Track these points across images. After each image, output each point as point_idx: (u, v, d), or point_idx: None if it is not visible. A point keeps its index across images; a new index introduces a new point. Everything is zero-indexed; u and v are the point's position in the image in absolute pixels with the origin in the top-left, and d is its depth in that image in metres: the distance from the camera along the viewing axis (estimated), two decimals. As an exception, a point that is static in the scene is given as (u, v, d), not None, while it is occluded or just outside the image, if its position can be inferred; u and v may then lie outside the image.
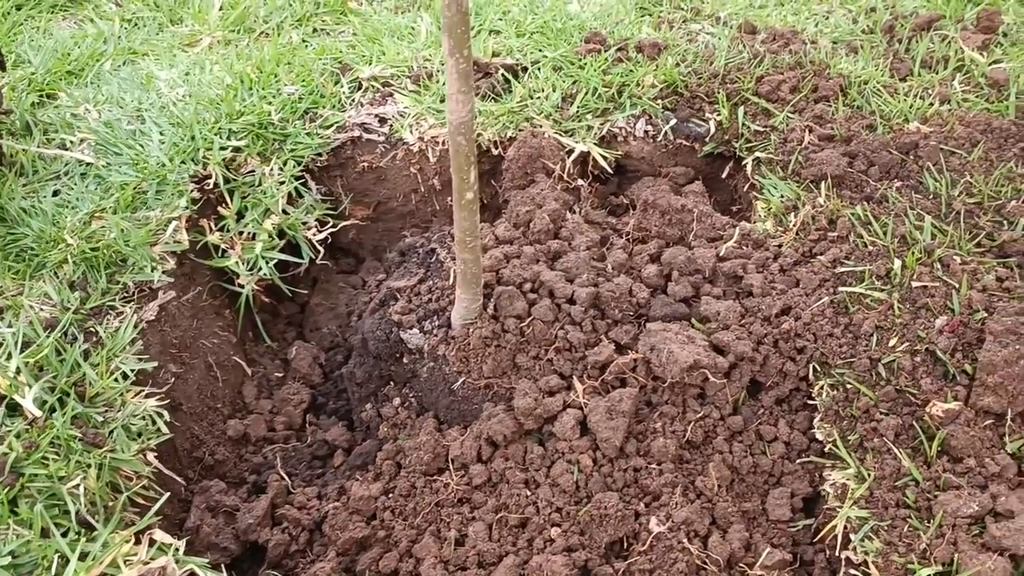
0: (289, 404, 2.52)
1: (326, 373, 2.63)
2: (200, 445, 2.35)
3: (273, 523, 2.18)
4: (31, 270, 2.34)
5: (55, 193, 2.58)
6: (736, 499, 2.06)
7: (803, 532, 2.04)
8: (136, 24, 3.54)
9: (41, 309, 2.24)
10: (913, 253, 2.19)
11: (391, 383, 2.38)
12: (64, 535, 1.81)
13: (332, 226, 2.78)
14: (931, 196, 2.39)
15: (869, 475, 1.93)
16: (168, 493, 2.02)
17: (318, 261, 2.76)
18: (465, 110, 1.75)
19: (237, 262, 2.60)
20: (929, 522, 1.83)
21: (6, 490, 1.84)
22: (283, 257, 2.68)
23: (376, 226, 2.96)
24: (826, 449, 2.05)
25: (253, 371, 2.64)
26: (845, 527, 1.91)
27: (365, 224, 2.94)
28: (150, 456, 2.08)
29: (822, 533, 1.97)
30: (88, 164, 2.67)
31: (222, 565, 1.94)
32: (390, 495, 2.15)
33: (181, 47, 3.34)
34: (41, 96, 3.03)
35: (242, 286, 2.60)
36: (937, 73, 2.95)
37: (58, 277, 2.33)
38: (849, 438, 2.01)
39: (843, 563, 1.89)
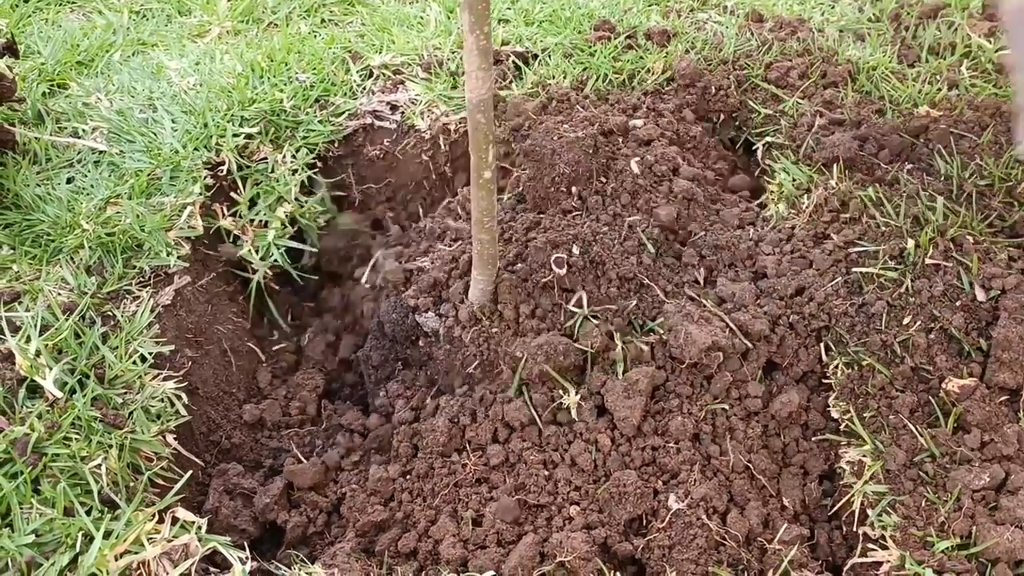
0: (304, 389, 2.52)
1: (340, 359, 2.64)
2: (216, 429, 2.36)
3: (290, 506, 2.19)
4: (48, 255, 2.35)
5: (69, 180, 2.59)
6: (753, 477, 2.08)
7: (820, 509, 2.05)
8: (144, 16, 3.55)
9: (58, 293, 2.25)
10: (926, 233, 2.20)
11: (407, 366, 2.39)
12: (88, 513, 1.82)
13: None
14: (942, 178, 2.40)
15: (885, 451, 1.95)
16: (191, 471, 2.04)
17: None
18: (484, 87, 1.77)
19: (250, 250, 2.61)
20: (946, 496, 1.85)
21: (29, 469, 1.85)
22: (295, 245, 2.69)
23: (388, 213, 2.96)
24: (842, 427, 2.07)
25: (267, 357, 2.65)
26: (862, 503, 1.93)
27: (377, 210, 2.96)
28: (169, 438, 2.10)
29: (837, 508, 1.99)
30: (101, 152, 2.68)
31: (245, 544, 1.95)
32: (407, 477, 2.15)
33: (190, 37, 3.35)
34: (51, 86, 3.04)
35: (255, 272, 2.62)
36: (945, 59, 2.97)
37: (74, 262, 2.34)
38: (865, 415, 2.03)
39: (860, 538, 1.90)
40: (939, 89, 2.77)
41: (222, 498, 2.16)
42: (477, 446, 2.15)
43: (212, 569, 1.86)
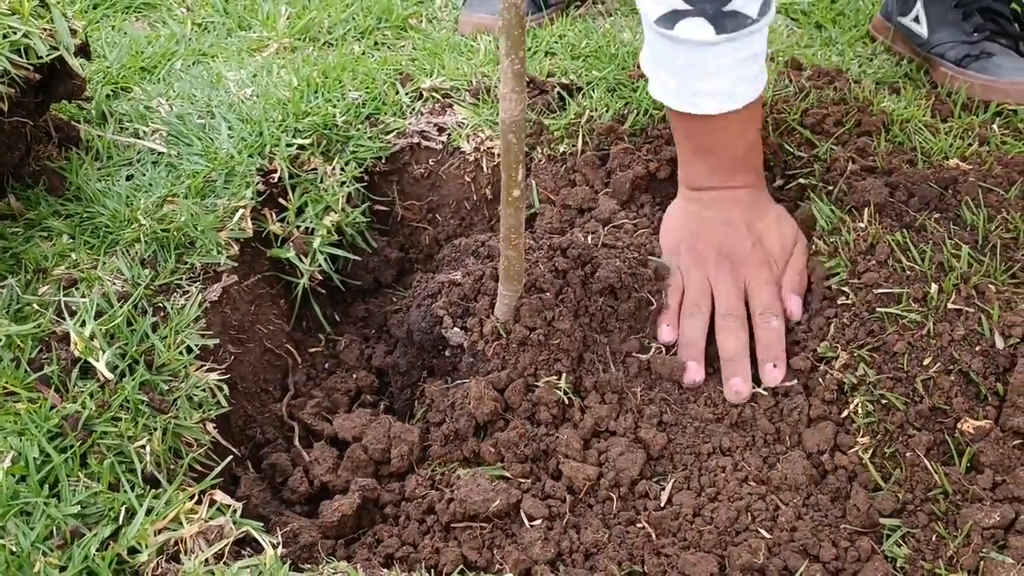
0: (337, 392, 2.61)
1: (373, 365, 2.73)
2: (252, 423, 2.45)
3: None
4: (105, 246, 2.46)
5: (129, 178, 2.72)
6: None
7: (832, 539, 2.11)
8: (206, 28, 3.70)
9: (113, 283, 2.36)
10: (950, 279, 2.27)
11: (432, 374, 2.48)
12: (131, 489, 1.91)
13: (386, 227, 2.91)
14: (968, 228, 2.47)
15: (900, 486, 2.01)
16: (230, 458, 2.12)
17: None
18: (517, 109, 1.86)
19: (297, 255, 2.72)
20: (956, 532, 1.91)
21: (78, 444, 1.95)
22: (339, 252, 2.80)
23: (428, 230, 3.07)
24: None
25: (303, 359, 2.74)
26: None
27: (417, 227, 3.06)
28: (209, 426, 2.19)
29: (851, 539, 2.05)
30: (160, 153, 2.81)
31: (277, 530, 2.03)
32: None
33: (249, 51, 3.49)
34: (115, 88, 3.18)
35: (300, 276, 2.73)
36: (977, 116, 3.05)
37: (130, 254, 2.45)
38: (884, 450, 2.09)
39: (871, 568, 1.96)
40: (970, 144, 2.84)
41: (252, 488, 2.24)
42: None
43: (243, 552, 1.94)
